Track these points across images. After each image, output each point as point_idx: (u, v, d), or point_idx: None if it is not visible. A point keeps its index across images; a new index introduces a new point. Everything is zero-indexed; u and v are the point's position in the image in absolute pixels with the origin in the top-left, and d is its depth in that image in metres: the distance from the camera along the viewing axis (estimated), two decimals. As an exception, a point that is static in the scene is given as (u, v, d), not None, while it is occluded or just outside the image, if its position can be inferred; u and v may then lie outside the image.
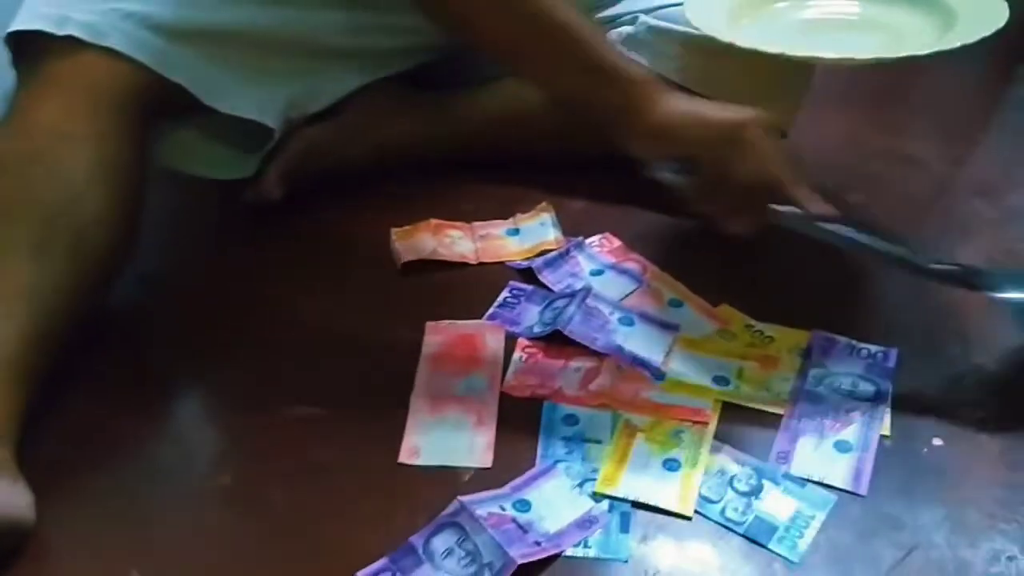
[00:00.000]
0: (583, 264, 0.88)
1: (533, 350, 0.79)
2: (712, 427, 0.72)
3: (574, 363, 0.77)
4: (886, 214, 0.93)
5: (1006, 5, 0.82)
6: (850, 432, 0.71)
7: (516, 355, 0.78)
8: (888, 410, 0.73)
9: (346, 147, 0.96)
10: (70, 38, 0.78)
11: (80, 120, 0.77)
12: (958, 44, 0.78)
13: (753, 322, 0.81)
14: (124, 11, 0.80)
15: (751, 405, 0.74)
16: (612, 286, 0.85)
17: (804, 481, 0.68)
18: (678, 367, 0.77)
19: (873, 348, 0.78)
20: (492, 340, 0.80)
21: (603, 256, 0.89)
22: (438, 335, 0.81)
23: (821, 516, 0.66)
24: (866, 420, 0.72)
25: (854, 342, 0.78)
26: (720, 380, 0.76)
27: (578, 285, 0.84)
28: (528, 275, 0.87)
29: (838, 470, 0.69)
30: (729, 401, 0.74)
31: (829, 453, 0.70)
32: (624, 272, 0.87)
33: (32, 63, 0.80)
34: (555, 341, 0.79)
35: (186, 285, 0.89)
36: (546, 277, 0.86)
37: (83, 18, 0.79)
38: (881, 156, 1.02)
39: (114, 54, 0.79)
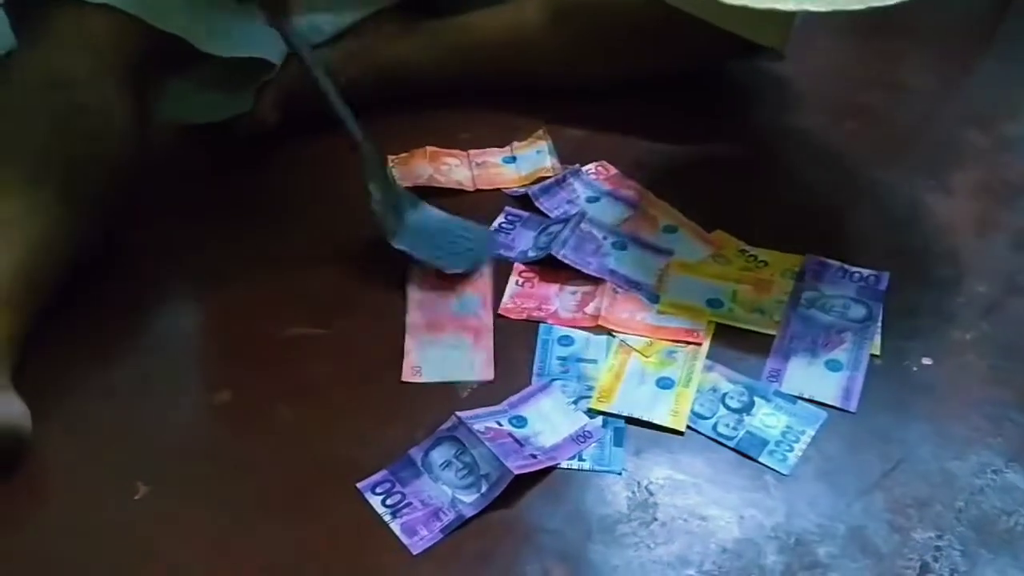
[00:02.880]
0: (579, 191, 0.88)
1: (530, 275, 0.80)
2: (705, 347, 0.73)
3: (570, 287, 0.78)
4: (880, 142, 0.93)
5: None
6: (841, 352, 0.73)
7: (512, 279, 0.79)
8: (879, 331, 0.74)
9: (344, 71, 0.95)
10: None
11: (80, 69, 0.77)
12: None
13: (747, 247, 0.81)
14: None
15: (744, 326, 0.75)
16: (608, 212, 0.86)
17: (795, 398, 0.69)
18: (673, 290, 0.78)
19: (865, 271, 0.79)
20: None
21: (599, 183, 0.89)
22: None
23: (811, 431, 0.67)
24: (857, 340, 0.73)
25: (846, 265, 0.79)
26: (714, 303, 0.77)
27: (574, 211, 0.85)
28: (524, 201, 0.87)
29: (828, 388, 0.70)
30: (723, 323, 0.75)
31: (820, 372, 0.71)
32: (620, 199, 0.87)
33: (31, 25, 0.79)
34: (551, 266, 0.80)
35: (181, 211, 0.89)
36: (542, 204, 0.87)
37: None
38: (874, 84, 1.02)
39: (110, 9, 0.79)
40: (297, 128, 0.94)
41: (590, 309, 0.76)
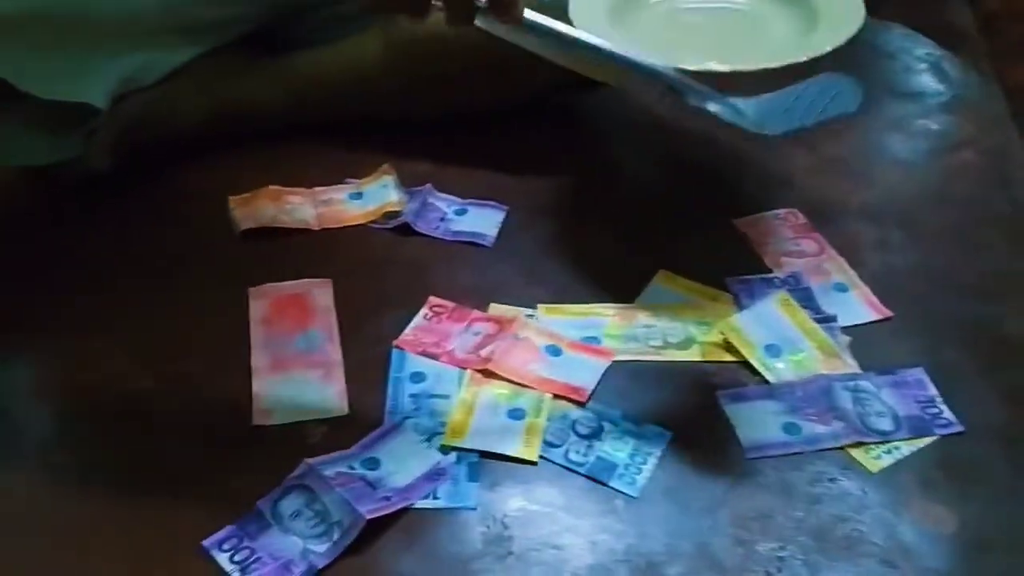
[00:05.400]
0: (444, 207, 0.90)
1: (440, 309, 0.79)
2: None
3: (475, 327, 0.78)
4: (712, 166, 0.97)
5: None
6: (684, 372, 0.75)
7: (422, 311, 0.79)
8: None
9: (179, 113, 0.93)
10: None
11: None
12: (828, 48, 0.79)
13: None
14: None
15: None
16: (481, 219, 0.89)
17: (640, 420, 0.71)
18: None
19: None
20: (320, 295, 0.80)
21: (456, 199, 0.92)
22: (263, 298, 0.80)
23: (657, 452, 0.69)
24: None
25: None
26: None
27: (453, 227, 0.88)
28: (395, 232, 0.88)
29: (674, 409, 0.72)
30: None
31: (665, 393, 0.73)
32: (484, 207, 0.90)
33: None
34: (467, 301, 0.79)
35: (8, 262, 0.85)
36: (420, 227, 0.88)
37: None
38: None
39: None
40: (130, 171, 0.91)
41: (485, 352, 0.75)
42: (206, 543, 0.62)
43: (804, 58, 0.79)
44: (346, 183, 0.93)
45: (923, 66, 1.10)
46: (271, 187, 0.91)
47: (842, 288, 0.81)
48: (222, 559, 0.61)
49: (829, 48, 0.80)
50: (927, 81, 1.08)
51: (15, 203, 0.93)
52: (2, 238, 0.88)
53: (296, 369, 0.74)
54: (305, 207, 0.90)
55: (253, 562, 0.61)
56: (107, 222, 0.89)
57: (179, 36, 0.93)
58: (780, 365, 0.74)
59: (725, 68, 0.77)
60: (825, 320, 0.77)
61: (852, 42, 0.81)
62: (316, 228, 0.88)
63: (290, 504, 0.64)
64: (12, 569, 0.62)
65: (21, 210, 0.92)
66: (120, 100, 0.89)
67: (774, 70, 0.78)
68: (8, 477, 0.68)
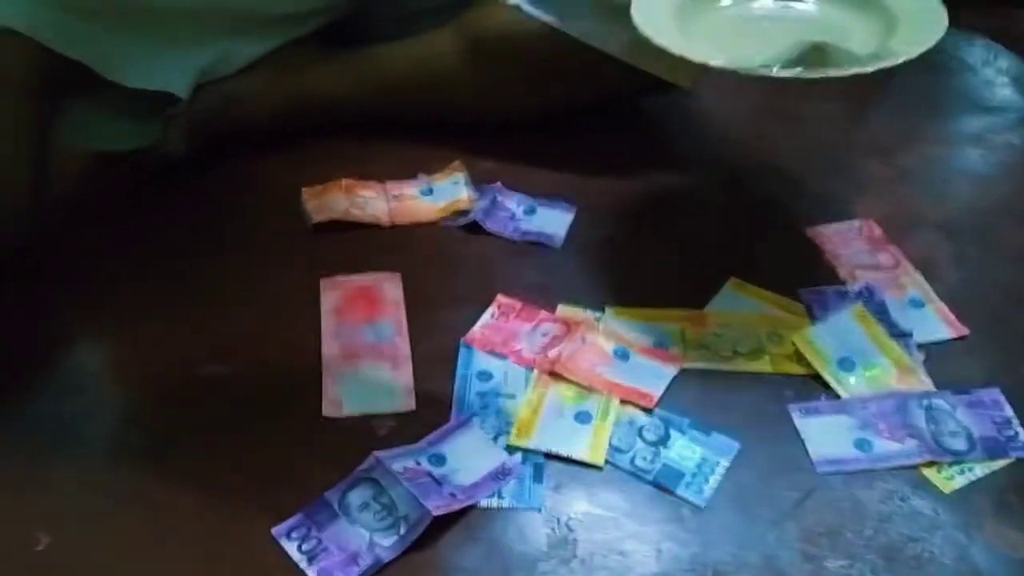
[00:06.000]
0: (513, 206, 0.90)
1: (508, 308, 0.79)
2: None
3: (543, 327, 0.78)
4: (786, 174, 0.96)
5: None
6: (754, 382, 0.74)
7: (490, 309, 0.79)
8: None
9: (255, 102, 0.95)
10: None
11: None
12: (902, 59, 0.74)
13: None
14: None
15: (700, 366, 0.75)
16: (550, 219, 0.89)
17: (709, 429, 0.71)
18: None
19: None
20: (390, 288, 0.81)
21: (525, 197, 0.92)
22: (335, 289, 0.81)
23: (725, 462, 0.68)
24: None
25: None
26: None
27: (523, 226, 0.88)
28: (466, 230, 0.88)
29: (742, 418, 0.72)
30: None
31: (734, 402, 0.73)
32: (554, 207, 0.90)
33: None
34: (535, 301, 0.79)
35: (91, 246, 0.87)
36: (488, 226, 0.88)
37: None
38: (781, 117, 1.04)
39: (12, 34, 0.76)
40: (206, 159, 0.92)
41: (552, 353, 0.75)
42: (275, 531, 0.63)
43: (871, 69, 0.75)
44: (417, 178, 0.93)
45: (1004, 79, 1.07)
46: (344, 180, 0.92)
47: (918, 303, 0.80)
48: (290, 547, 0.62)
49: (903, 59, 0.74)
50: (1008, 95, 1.06)
51: (94, 187, 0.95)
52: (81, 221, 0.89)
53: (365, 360, 0.75)
54: (377, 201, 0.91)
55: (320, 552, 0.62)
56: (183, 209, 0.91)
57: (258, 27, 0.94)
58: (853, 379, 0.73)
59: (786, 74, 0.73)
60: (901, 335, 0.76)
61: (933, 51, 0.78)
62: (387, 223, 0.89)
63: (358, 496, 0.64)
64: (89, 544, 0.63)
65: (100, 194, 0.94)
66: (199, 89, 0.91)
67: (850, 76, 0.75)
68: (85, 454, 0.69)
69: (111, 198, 0.93)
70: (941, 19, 0.78)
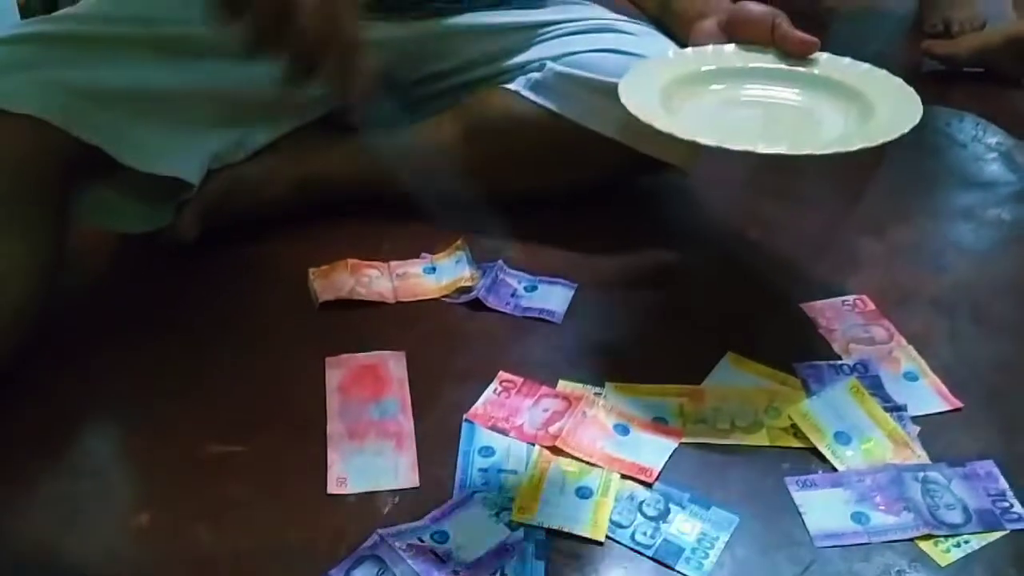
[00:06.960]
0: (514, 283, 0.93)
1: (510, 384, 0.81)
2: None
3: (544, 402, 0.80)
4: (781, 252, 0.98)
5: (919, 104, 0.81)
6: (752, 456, 0.75)
7: (492, 386, 0.81)
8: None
9: (264, 186, 0.98)
10: None
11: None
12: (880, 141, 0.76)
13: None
14: (44, 79, 0.82)
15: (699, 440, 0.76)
16: (551, 296, 0.91)
17: (709, 503, 0.71)
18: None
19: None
20: (394, 366, 0.83)
21: (527, 275, 0.94)
22: (340, 367, 0.83)
23: (725, 537, 0.69)
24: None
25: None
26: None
27: (524, 303, 0.90)
28: (469, 306, 0.90)
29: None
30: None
31: (732, 477, 0.74)
32: (554, 284, 0.93)
33: None
34: (536, 377, 0.81)
35: (102, 325, 0.89)
36: (491, 302, 0.90)
37: (1, 87, 0.80)
38: (775, 196, 1.07)
39: (32, 120, 0.80)
40: (216, 240, 0.95)
41: (553, 428, 0.76)
42: (280, 609, 0.63)
43: (854, 149, 0.76)
44: (421, 257, 0.96)
45: (994, 155, 1.10)
46: (350, 260, 0.94)
47: (912, 376, 0.81)
48: (296, 625, 0.63)
49: (879, 142, 0.76)
50: (998, 170, 1.08)
51: (107, 259, 0.97)
52: (94, 292, 0.92)
53: (370, 437, 0.76)
54: (382, 280, 0.93)
55: (325, 630, 0.62)
56: (192, 288, 0.93)
57: (281, 111, 0.98)
58: (849, 452, 0.74)
59: (770, 151, 0.76)
60: (895, 408, 0.77)
61: (921, 129, 0.80)
62: (392, 300, 0.91)
63: (362, 574, 0.65)
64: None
65: (111, 274, 0.96)
66: (210, 173, 0.94)
67: (823, 156, 0.76)
68: (93, 536, 0.70)
69: (122, 278, 0.95)
70: (916, 106, 0.81)
